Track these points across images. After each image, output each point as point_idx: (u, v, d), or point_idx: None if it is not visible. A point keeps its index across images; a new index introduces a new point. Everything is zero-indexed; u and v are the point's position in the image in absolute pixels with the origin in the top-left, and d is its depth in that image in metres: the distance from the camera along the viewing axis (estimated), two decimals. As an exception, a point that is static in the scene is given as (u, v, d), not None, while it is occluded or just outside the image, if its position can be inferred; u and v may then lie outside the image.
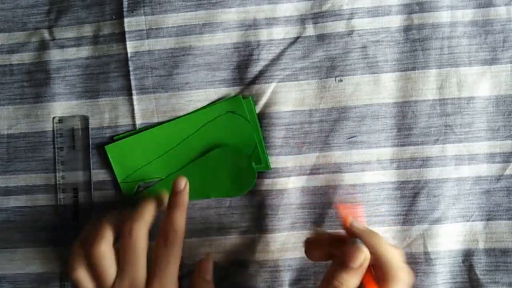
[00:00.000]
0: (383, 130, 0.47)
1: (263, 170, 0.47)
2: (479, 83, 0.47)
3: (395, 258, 0.38)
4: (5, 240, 0.49)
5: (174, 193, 0.43)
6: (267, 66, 0.48)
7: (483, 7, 0.47)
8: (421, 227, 0.47)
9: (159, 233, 0.41)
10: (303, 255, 0.43)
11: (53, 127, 0.49)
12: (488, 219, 0.47)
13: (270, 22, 0.48)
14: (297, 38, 0.48)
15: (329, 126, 0.47)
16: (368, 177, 0.47)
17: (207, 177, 0.48)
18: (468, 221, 0.47)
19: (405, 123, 0.47)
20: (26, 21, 0.50)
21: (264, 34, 0.48)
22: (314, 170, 0.48)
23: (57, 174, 0.49)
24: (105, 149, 0.48)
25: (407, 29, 0.48)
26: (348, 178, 0.47)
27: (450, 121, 0.47)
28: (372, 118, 0.47)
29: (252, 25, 0.48)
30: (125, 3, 0.49)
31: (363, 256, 0.37)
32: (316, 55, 0.48)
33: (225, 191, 0.48)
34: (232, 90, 0.48)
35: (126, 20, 0.49)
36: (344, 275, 0.37)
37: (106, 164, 0.49)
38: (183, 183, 0.43)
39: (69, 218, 0.49)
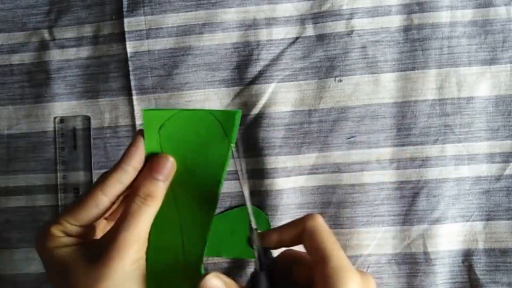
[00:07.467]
0: (383, 130, 0.47)
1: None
2: (479, 83, 0.47)
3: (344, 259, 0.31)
4: (5, 240, 0.49)
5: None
6: (267, 66, 0.48)
7: (483, 7, 0.47)
8: (420, 227, 0.47)
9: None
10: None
11: (55, 127, 0.49)
12: (487, 219, 0.47)
13: (270, 22, 0.48)
14: (297, 38, 0.48)
15: (328, 126, 0.47)
16: (368, 177, 0.47)
17: (222, 235, 0.46)
18: (467, 221, 0.47)
19: (405, 123, 0.47)
20: (26, 21, 0.50)
21: (264, 34, 0.48)
22: (313, 170, 0.48)
23: (58, 174, 0.49)
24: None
25: (407, 29, 0.48)
26: (347, 178, 0.47)
27: (450, 121, 0.47)
28: (371, 118, 0.47)
29: (252, 25, 0.48)
30: (125, 3, 0.49)
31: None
32: (315, 55, 0.48)
33: (238, 252, 0.47)
34: (232, 90, 0.48)
35: (126, 20, 0.49)
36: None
37: (107, 164, 0.49)
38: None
39: (70, 218, 0.49)
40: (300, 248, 0.34)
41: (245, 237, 0.40)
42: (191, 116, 0.35)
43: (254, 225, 0.34)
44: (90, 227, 0.35)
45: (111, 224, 0.36)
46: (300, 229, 0.33)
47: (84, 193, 0.34)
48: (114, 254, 0.31)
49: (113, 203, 0.34)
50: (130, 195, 0.34)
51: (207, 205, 0.36)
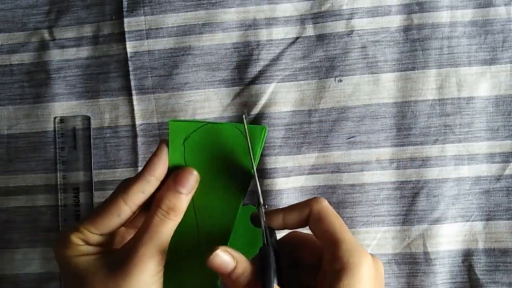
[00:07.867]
0: (383, 130, 0.47)
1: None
2: (479, 83, 0.47)
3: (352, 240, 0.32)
4: (5, 240, 0.49)
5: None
6: (267, 66, 0.48)
7: (483, 7, 0.47)
8: (420, 227, 0.47)
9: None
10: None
11: (54, 127, 0.49)
12: (487, 219, 0.47)
13: (270, 22, 0.48)
14: (297, 38, 0.48)
15: (328, 126, 0.47)
16: (368, 177, 0.47)
17: None
18: (467, 221, 0.47)
19: (405, 123, 0.47)
20: (26, 21, 0.50)
21: (264, 34, 0.48)
22: (313, 170, 0.48)
23: (58, 174, 0.49)
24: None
25: (406, 29, 0.48)
26: (347, 178, 0.47)
27: (450, 121, 0.47)
28: (371, 118, 0.47)
29: (252, 25, 0.48)
30: (125, 3, 0.49)
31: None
32: (315, 55, 0.48)
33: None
34: (232, 90, 0.48)
35: (126, 20, 0.49)
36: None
37: (107, 164, 0.49)
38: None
39: (70, 218, 0.49)
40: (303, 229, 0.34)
41: (246, 237, 0.40)
42: (217, 130, 0.35)
43: (261, 201, 0.34)
44: (110, 236, 0.34)
45: (130, 231, 0.36)
46: (305, 213, 0.33)
47: (105, 201, 0.33)
48: (134, 266, 0.31)
49: (134, 213, 0.33)
50: (153, 206, 0.33)
51: (227, 219, 0.36)
